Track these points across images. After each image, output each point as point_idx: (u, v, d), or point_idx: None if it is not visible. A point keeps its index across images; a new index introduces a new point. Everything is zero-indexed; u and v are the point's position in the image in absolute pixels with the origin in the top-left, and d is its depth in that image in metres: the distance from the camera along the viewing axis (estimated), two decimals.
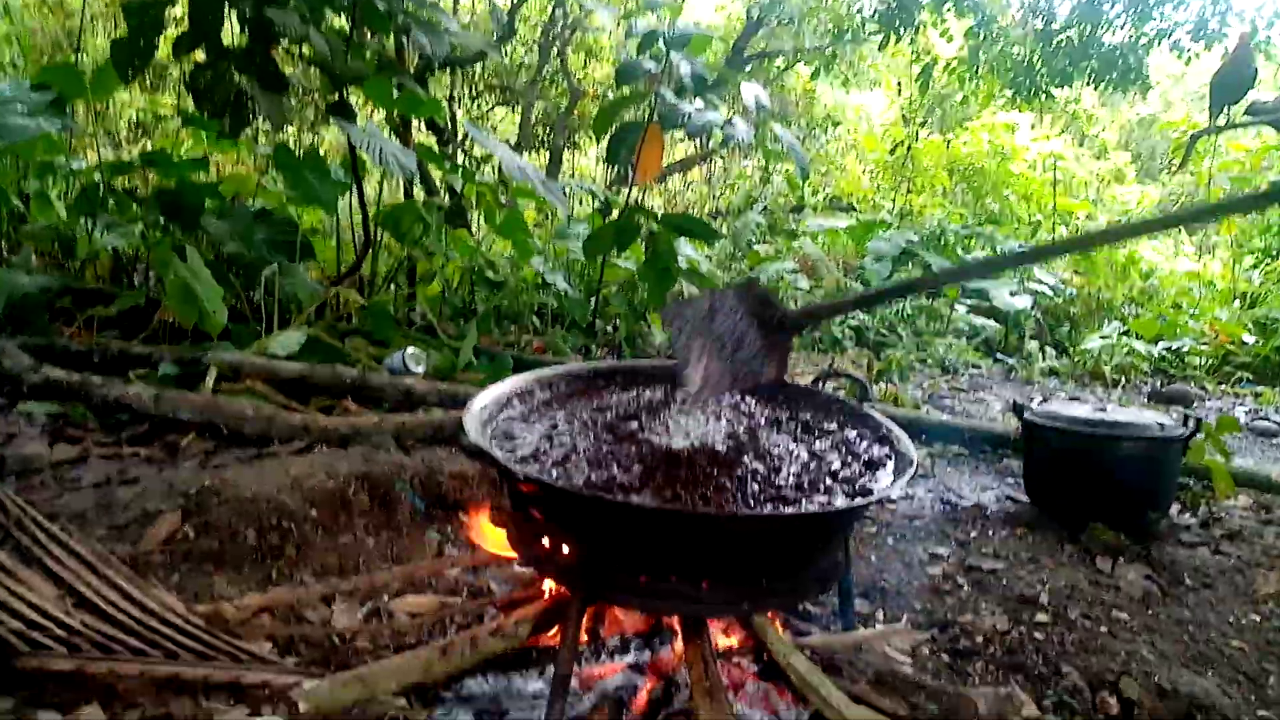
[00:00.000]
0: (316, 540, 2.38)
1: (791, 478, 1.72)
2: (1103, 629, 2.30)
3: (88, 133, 5.91)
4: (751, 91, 3.85)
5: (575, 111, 12.31)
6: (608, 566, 1.61)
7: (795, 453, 1.87)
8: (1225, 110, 5.31)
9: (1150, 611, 2.43)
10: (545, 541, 1.74)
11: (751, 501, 1.62)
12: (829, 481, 1.72)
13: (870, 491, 1.66)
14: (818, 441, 1.95)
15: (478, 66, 12.41)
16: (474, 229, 5.84)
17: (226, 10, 3.61)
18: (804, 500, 1.63)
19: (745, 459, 1.81)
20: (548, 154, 12.34)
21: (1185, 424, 2.92)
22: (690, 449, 1.82)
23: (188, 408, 3.04)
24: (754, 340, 1.85)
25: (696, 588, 1.61)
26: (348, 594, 2.21)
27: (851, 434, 2.01)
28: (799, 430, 2.02)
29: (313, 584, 2.23)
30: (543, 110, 13.36)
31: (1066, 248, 1.89)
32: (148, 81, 11.01)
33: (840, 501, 1.63)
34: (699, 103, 3.84)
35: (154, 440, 3.00)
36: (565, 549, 1.68)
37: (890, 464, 1.84)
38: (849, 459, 1.86)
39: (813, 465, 1.81)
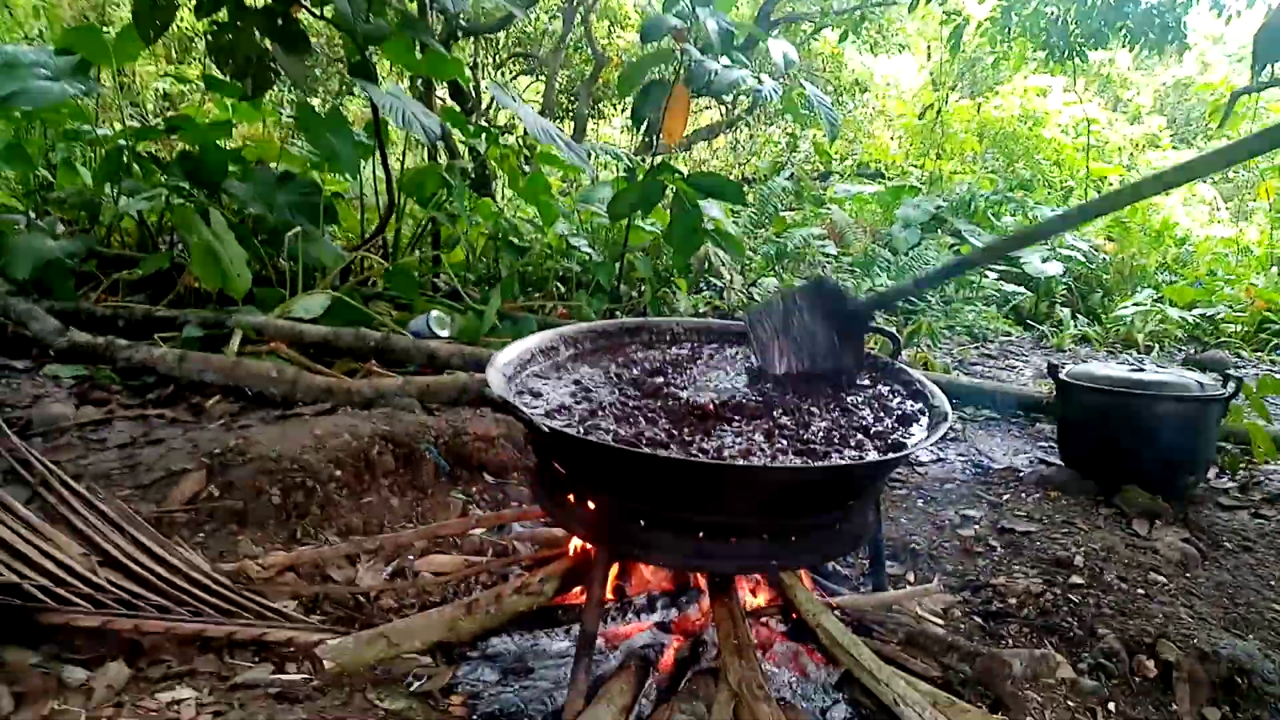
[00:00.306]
0: (341, 500, 2.37)
1: (821, 432, 1.68)
2: (1140, 591, 2.25)
3: (115, 103, 5.89)
4: (780, 48, 3.76)
5: (600, 79, 12.19)
6: (633, 522, 1.58)
7: (825, 407, 1.82)
8: (1270, 68, 5.13)
9: (1188, 574, 2.38)
10: (570, 497, 1.71)
11: (780, 455, 1.57)
12: (860, 436, 1.67)
13: (903, 445, 1.62)
14: (849, 396, 1.91)
15: (500, 35, 12.32)
16: (498, 196, 5.81)
17: None
18: (834, 454, 1.58)
19: (774, 414, 1.76)
20: (572, 122, 12.23)
21: (1225, 384, 2.84)
22: (718, 404, 1.78)
23: (212, 370, 3.03)
24: (828, 336, 2.01)
25: (725, 544, 1.57)
26: (372, 553, 2.20)
27: (883, 389, 1.96)
28: (829, 385, 1.97)
29: (337, 543, 2.22)
30: (567, 78, 13.25)
31: (1124, 200, 1.84)
32: (174, 54, 11.04)
33: (872, 455, 1.59)
34: (725, 60, 3.76)
35: (179, 402, 3.00)
36: (591, 504, 1.65)
37: (924, 419, 1.79)
38: (881, 413, 1.81)
39: (844, 420, 1.76)
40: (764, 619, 1.92)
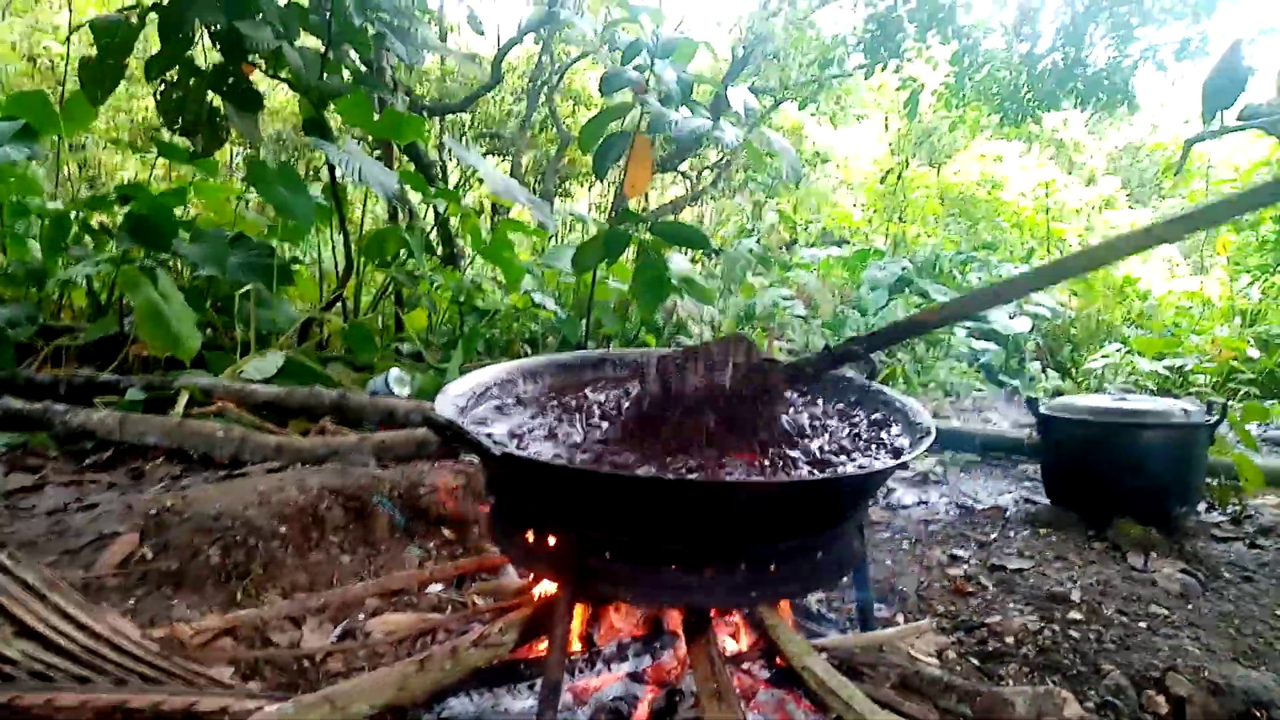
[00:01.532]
0: (285, 558, 2.20)
1: (800, 452, 1.56)
2: (1141, 625, 2.12)
3: (68, 178, 5.80)
4: (740, 96, 3.74)
5: (565, 158, 12.29)
6: (597, 554, 1.44)
7: (803, 428, 1.70)
8: (1219, 116, 5.19)
9: (1190, 606, 2.25)
10: (529, 534, 1.56)
11: (758, 474, 1.45)
12: (839, 455, 1.55)
13: (892, 455, 1.50)
14: (827, 418, 1.79)
15: (465, 115, 12.44)
16: (465, 261, 5.73)
17: (198, 27, 3.51)
18: (813, 471, 1.46)
19: (749, 436, 1.64)
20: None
21: (1209, 411, 2.76)
22: (688, 427, 1.66)
23: (155, 432, 2.87)
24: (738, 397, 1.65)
25: (698, 576, 1.43)
26: (318, 613, 2.03)
27: (862, 408, 1.85)
28: (807, 406, 1.86)
29: (280, 603, 2.05)
30: (533, 158, 13.37)
31: (1082, 264, 1.71)
32: (140, 142, 11.02)
33: (851, 468, 1.47)
34: (685, 111, 3.73)
35: (118, 466, 2.83)
36: (551, 539, 1.51)
37: (904, 437, 1.68)
38: (861, 431, 1.70)
39: (822, 439, 1.64)
40: (745, 665, 1.76)
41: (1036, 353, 8.18)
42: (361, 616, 2.08)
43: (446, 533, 2.48)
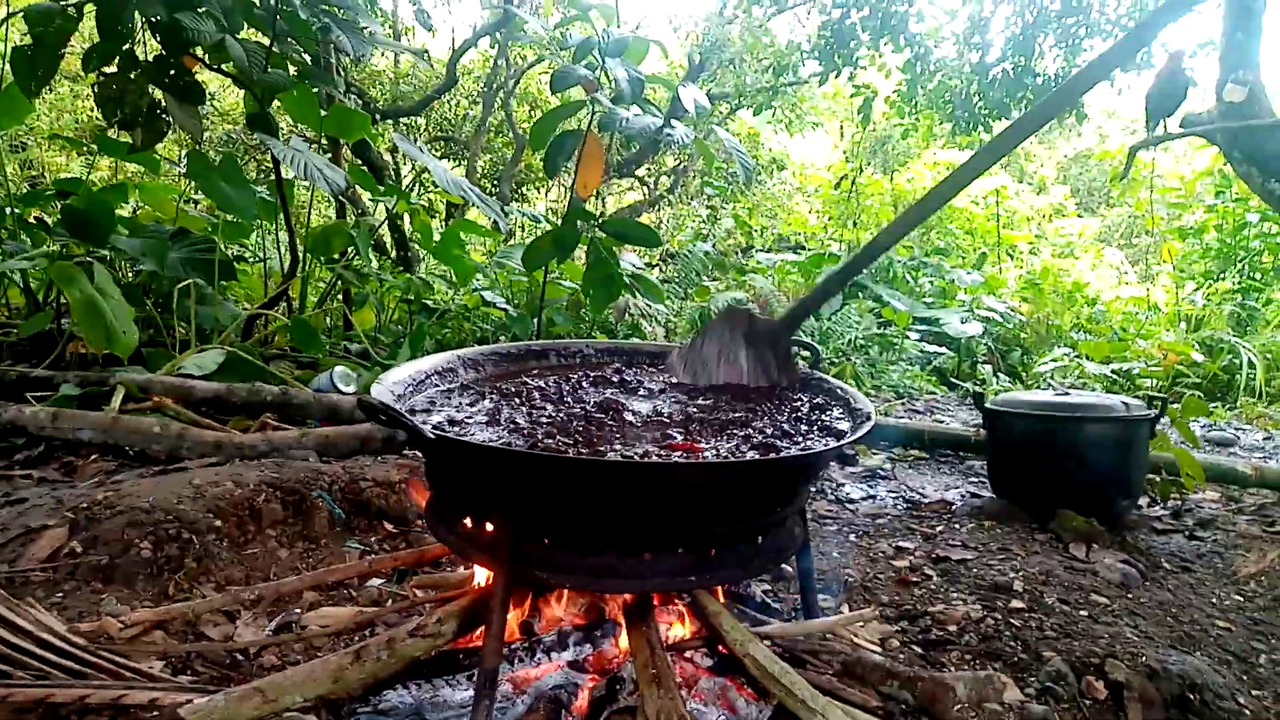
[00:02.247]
0: (220, 552, 2.14)
1: (740, 436, 1.55)
2: (1082, 613, 2.14)
3: (10, 178, 5.64)
4: (690, 94, 3.74)
5: (521, 162, 12.24)
6: (535, 541, 1.42)
7: (744, 413, 1.69)
8: (1162, 123, 5.31)
9: (1130, 595, 2.28)
10: (467, 521, 1.54)
11: (697, 457, 1.44)
12: (780, 439, 1.55)
13: (832, 438, 1.49)
14: (767, 402, 1.78)
15: (421, 118, 12.34)
16: (417, 265, 5.67)
17: (138, 19, 3.43)
18: (754, 453, 1.45)
19: (690, 422, 1.63)
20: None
21: (1150, 406, 2.80)
22: (630, 414, 1.64)
23: (89, 428, 2.78)
24: (751, 356, 1.98)
25: (637, 561, 1.42)
26: (252, 606, 1.98)
27: (804, 395, 1.85)
28: (747, 392, 1.85)
29: (213, 597, 1.99)
30: (489, 161, 13.30)
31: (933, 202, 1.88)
32: (84, 143, 10.79)
33: (794, 450, 1.46)
34: (636, 109, 3.72)
35: (50, 462, 2.74)
36: (488, 526, 1.48)
37: (845, 422, 1.67)
38: (801, 416, 1.69)
39: (762, 423, 1.63)
40: (688, 653, 1.75)
41: (988, 357, 8.30)
42: (298, 610, 2.03)
43: (388, 527, 2.44)
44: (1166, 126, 5.52)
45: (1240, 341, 7.60)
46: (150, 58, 3.52)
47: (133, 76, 3.44)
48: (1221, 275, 8.90)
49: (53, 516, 2.16)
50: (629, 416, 1.65)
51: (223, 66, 3.71)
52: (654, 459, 1.40)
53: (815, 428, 1.63)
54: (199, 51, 3.55)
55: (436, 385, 1.87)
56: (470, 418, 1.62)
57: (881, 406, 5.72)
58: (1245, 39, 5.40)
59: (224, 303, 3.78)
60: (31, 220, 4.27)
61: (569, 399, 1.75)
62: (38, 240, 4.12)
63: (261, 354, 3.75)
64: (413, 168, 9.90)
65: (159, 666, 1.78)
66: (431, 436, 1.36)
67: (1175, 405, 3.14)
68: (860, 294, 8.73)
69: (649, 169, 13.54)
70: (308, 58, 4.06)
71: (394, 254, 5.62)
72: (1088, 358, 7.42)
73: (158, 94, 3.52)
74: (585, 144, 3.83)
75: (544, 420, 1.59)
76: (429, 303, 4.55)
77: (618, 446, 1.47)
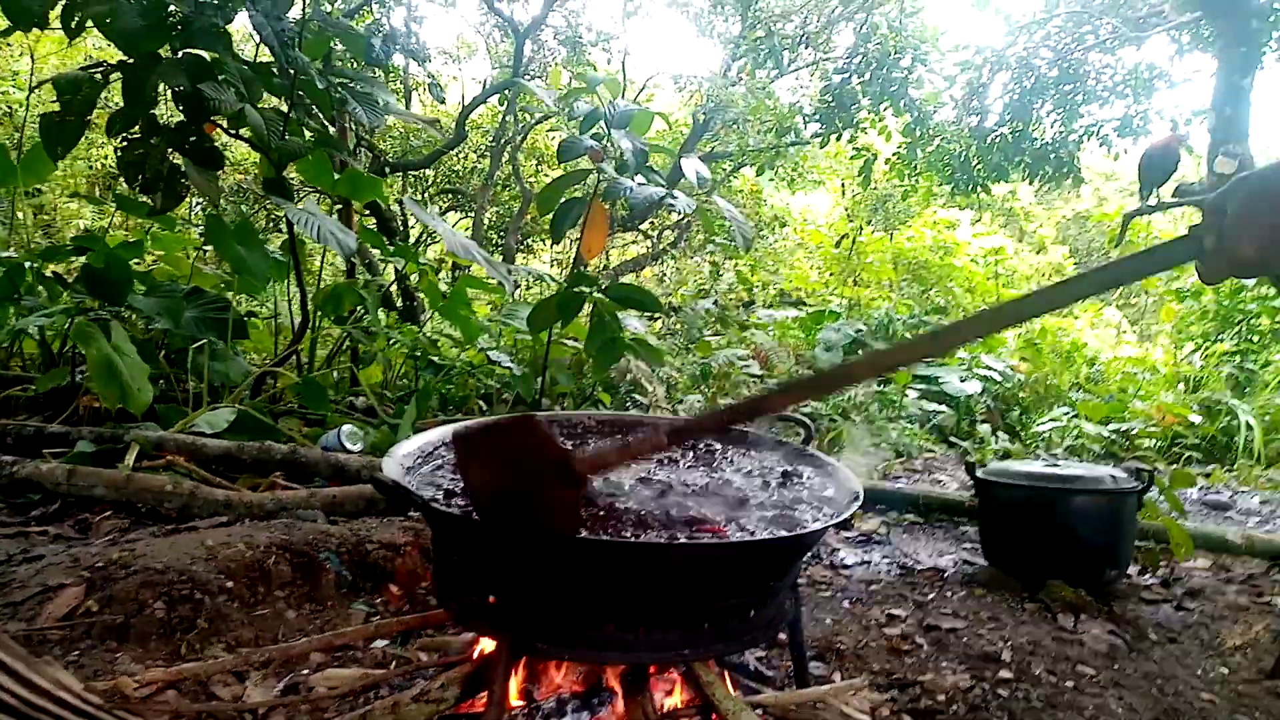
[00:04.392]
0: (231, 613, 2.20)
1: (732, 514, 1.62)
2: (1069, 684, 2.19)
3: (24, 224, 5.79)
4: (693, 166, 3.87)
5: (527, 215, 12.44)
6: (537, 611, 1.49)
7: (735, 490, 1.77)
8: (1155, 193, 5.45)
9: (1116, 666, 2.33)
10: (471, 590, 1.60)
11: (689, 537, 1.51)
12: (770, 518, 1.62)
13: (821, 519, 1.57)
14: (758, 480, 1.86)
15: (429, 171, 12.57)
16: (422, 316, 5.77)
17: (161, 88, 3.57)
18: (744, 534, 1.52)
19: (684, 499, 1.71)
20: (500, 256, 12.41)
21: (1138, 477, 2.87)
22: (625, 488, 1.72)
23: (103, 485, 2.86)
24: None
25: (634, 634, 1.48)
26: (262, 667, 2.04)
27: (795, 471, 1.92)
28: (739, 472, 1.93)
29: (225, 658, 2.05)
30: (496, 214, 13.51)
31: (986, 327, 1.64)
32: (98, 191, 11.00)
33: (783, 532, 1.53)
34: (640, 179, 3.85)
35: (65, 519, 2.81)
36: (492, 598, 1.55)
37: (831, 506, 1.75)
38: (791, 495, 1.76)
39: (754, 501, 1.71)
40: None
41: (987, 415, 8.35)
42: (305, 671, 2.09)
43: (393, 589, 2.50)
44: (1159, 195, 5.68)
45: (1238, 404, 7.66)
46: (172, 124, 3.66)
47: (154, 142, 3.57)
48: (1220, 337, 8.98)
49: (69, 575, 2.23)
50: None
51: (241, 132, 3.84)
52: (654, 540, 1.47)
53: (805, 507, 1.70)
54: (219, 118, 3.68)
55: (443, 456, 1.95)
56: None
57: (880, 466, 5.78)
58: (1234, 113, 5.56)
59: (235, 358, 3.87)
60: (49, 274, 4.38)
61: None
62: (54, 293, 4.23)
63: (271, 410, 3.84)
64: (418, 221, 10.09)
65: None
66: (440, 514, 1.44)
67: (1163, 475, 3.21)
68: (859, 352, 8.83)
69: (653, 223, 13.75)
70: (322, 122, 4.21)
71: (399, 304, 5.74)
72: (1086, 418, 7.47)
73: (177, 159, 3.64)
74: (591, 210, 3.95)
75: None
76: (435, 359, 4.64)
77: (619, 521, 1.54)
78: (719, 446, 2.10)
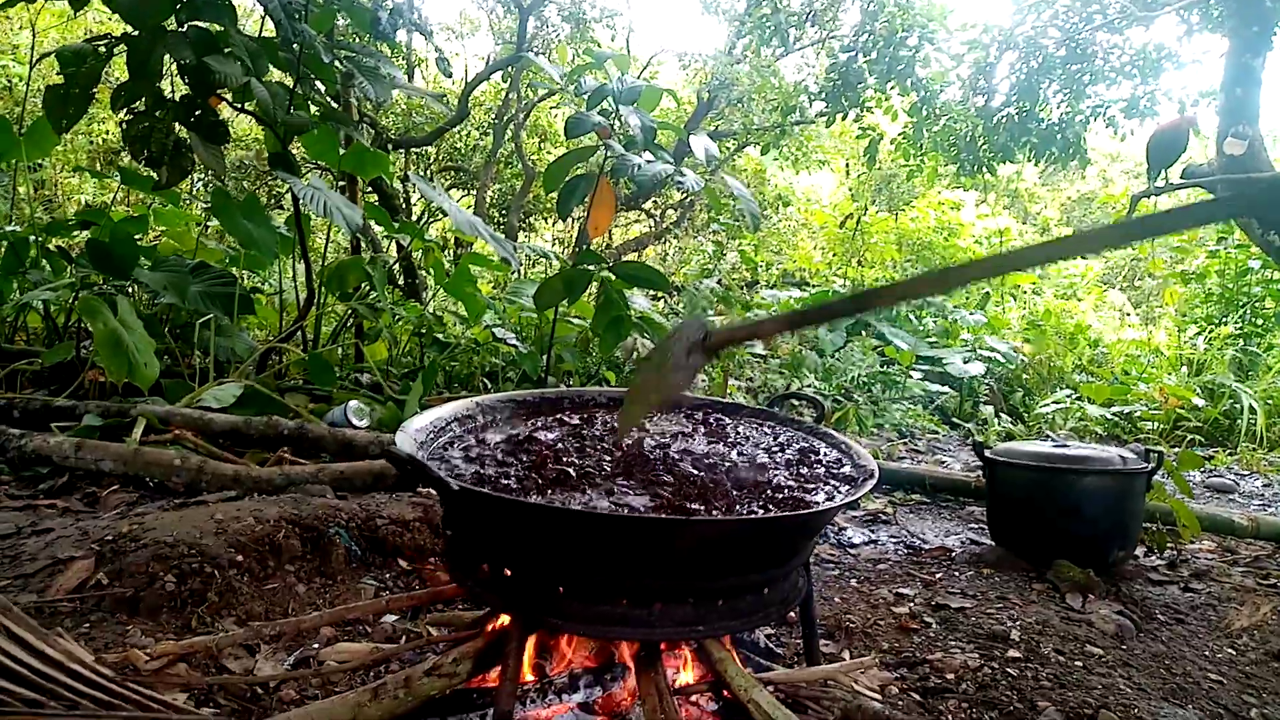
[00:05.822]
0: (241, 587, 2.20)
1: (746, 491, 1.62)
2: (1077, 664, 2.19)
3: (25, 199, 5.77)
4: (701, 144, 3.84)
5: (530, 193, 12.38)
6: (551, 588, 1.48)
7: (749, 468, 1.76)
8: (1163, 174, 5.42)
9: (1124, 646, 2.33)
10: (485, 567, 1.60)
11: (704, 513, 1.51)
12: (785, 494, 1.62)
13: (833, 498, 1.56)
14: (773, 456, 1.86)
15: (431, 148, 12.50)
16: (428, 294, 5.76)
17: (166, 61, 3.54)
18: (759, 510, 1.52)
19: (699, 474, 1.70)
20: (503, 234, 12.35)
21: (1147, 458, 2.87)
22: (641, 466, 1.71)
23: (110, 459, 2.86)
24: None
25: (648, 610, 1.48)
26: (273, 641, 2.04)
27: (808, 448, 1.92)
28: (754, 447, 1.92)
29: (235, 631, 2.06)
30: (498, 192, 13.45)
31: (978, 272, 1.68)
32: (100, 164, 10.94)
33: (801, 509, 1.53)
34: (648, 155, 3.82)
35: (73, 493, 2.81)
36: (506, 572, 1.55)
37: (847, 483, 1.74)
38: (806, 472, 1.76)
39: (768, 478, 1.70)
40: (694, 697, 1.81)
41: (990, 397, 8.35)
42: (316, 645, 2.09)
43: (402, 563, 2.51)
44: (1168, 177, 5.64)
45: (1241, 387, 7.66)
46: (177, 98, 3.63)
47: (159, 116, 3.54)
48: (1223, 320, 8.97)
49: (79, 548, 2.23)
50: (638, 466, 1.72)
51: (247, 106, 3.81)
52: (664, 516, 1.46)
53: (819, 485, 1.70)
54: (224, 92, 3.65)
55: (455, 432, 1.94)
56: (488, 465, 1.69)
57: (884, 446, 5.78)
58: (1244, 94, 5.51)
59: (240, 334, 3.86)
60: (53, 248, 4.37)
61: (589, 449, 1.82)
62: (58, 268, 4.21)
63: (277, 386, 3.83)
64: (423, 196, 10.04)
65: (182, 699, 1.84)
66: (455, 489, 1.43)
67: (1171, 455, 3.20)
68: (863, 332, 8.82)
69: (655, 202, 13.70)
70: (327, 97, 4.18)
71: (402, 281, 5.73)
72: (1089, 400, 7.48)
73: (183, 133, 3.62)
74: (597, 188, 3.93)
75: (561, 472, 1.66)
76: (440, 336, 4.63)
77: (632, 496, 1.54)
78: (730, 421, 2.10)
